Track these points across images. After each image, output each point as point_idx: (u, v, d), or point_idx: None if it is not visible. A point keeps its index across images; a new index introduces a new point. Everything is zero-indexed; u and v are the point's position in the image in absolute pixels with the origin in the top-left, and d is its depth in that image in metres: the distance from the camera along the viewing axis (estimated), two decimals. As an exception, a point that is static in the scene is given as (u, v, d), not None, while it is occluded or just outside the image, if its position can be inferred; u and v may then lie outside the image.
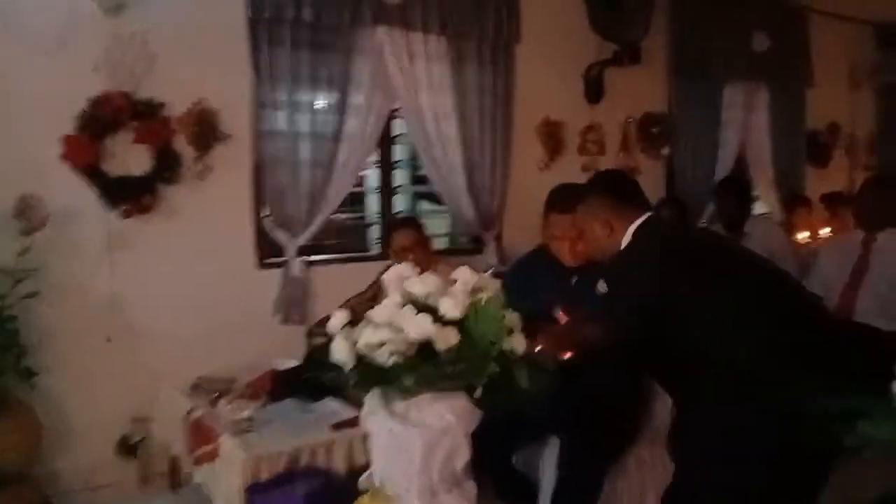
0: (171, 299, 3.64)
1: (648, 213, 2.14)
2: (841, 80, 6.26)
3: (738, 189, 4.55)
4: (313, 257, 4.13)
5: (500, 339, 1.75)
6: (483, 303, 1.82)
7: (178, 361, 3.48)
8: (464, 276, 1.89)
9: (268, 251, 3.97)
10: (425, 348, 1.72)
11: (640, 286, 2.01)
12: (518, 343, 1.78)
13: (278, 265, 3.95)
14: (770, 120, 5.70)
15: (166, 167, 3.56)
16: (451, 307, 1.77)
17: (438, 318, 1.75)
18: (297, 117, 3.84)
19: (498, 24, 4.34)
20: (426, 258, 3.27)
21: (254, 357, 3.53)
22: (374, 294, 4.04)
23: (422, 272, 3.24)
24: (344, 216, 4.45)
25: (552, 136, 4.70)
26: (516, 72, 4.47)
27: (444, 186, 4.32)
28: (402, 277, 1.91)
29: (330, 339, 3.58)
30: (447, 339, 1.71)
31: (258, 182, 3.85)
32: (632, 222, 2.12)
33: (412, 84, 4.10)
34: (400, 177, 4.72)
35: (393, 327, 1.75)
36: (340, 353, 1.78)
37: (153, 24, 3.49)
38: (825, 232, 5.18)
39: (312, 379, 3.50)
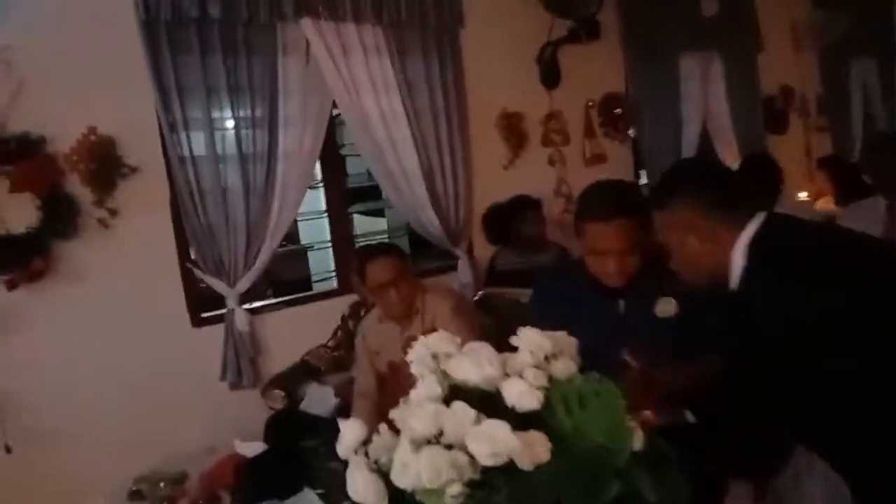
0: (85, 385, 2.86)
1: (762, 215, 1.57)
2: (786, 43, 5.96)
3: (765, 166, 3.89)
4: (256, 304, 3.41)
5: (622, 440, 1.12)
6: (580, 381, 1.22)
7: (105, 463, 2.73)
8: (531, 339, 1.27)
9: (202, 304, 3.22)
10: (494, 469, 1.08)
11: (788, 308, 1.43)
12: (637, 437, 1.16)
13: (217, 320, 3.21)
14: (727, 89, 5.30)
15: (58, 218, 2.80)
16: (522, 395, 1.15)
17: (499, 411, 1.13)
18: (220, 137, 3.13)
19: (438, 7, 3.74)
20: (411, 292, 2.61)
21: (204, 438, 2.81)
22: (337, 343, 3.39)
23: (407, 309, 2.63)
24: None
25: (513, 130, 4.13)
26: (464, 60, 3.88)
27: (401, 200, 3.67)
28: (440, 354, 1.29)
29: (292, 404, 2.89)
30: (534, 451, 1.07)
31: (179, 222, 3.10)
32: (741, 228, 1.54)
33: (351, 84, 3.45)
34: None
35: (443, 441, 1.12)
36: (363, 493, 1.12)
37: (18, 40, 2.72)
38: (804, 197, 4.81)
39: (282, 468, 2.87)
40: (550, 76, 4.30)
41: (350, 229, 3.88)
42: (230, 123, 3.17)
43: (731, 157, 5.36)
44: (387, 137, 3.56)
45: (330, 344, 3.29)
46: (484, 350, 1.25)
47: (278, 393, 3.04)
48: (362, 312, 3.26)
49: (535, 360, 1.25)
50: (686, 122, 5.05)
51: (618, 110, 4.64)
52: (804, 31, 6.11)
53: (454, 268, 3.86)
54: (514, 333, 1.27)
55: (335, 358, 3.29)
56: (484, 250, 3.97)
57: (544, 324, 2.08)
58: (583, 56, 4.37)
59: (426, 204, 3.68)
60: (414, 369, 1.31)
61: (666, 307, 1.97)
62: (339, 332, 3.30)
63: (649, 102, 4.82)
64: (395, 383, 2.66)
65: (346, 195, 3.91)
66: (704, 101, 5.20)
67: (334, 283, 3.80)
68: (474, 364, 1.23)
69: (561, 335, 1.32)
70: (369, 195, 5.81)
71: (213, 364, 3.18)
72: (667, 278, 1.94)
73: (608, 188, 2.04)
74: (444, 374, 1.28)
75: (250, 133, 3.19)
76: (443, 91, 3.73)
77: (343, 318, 3.32)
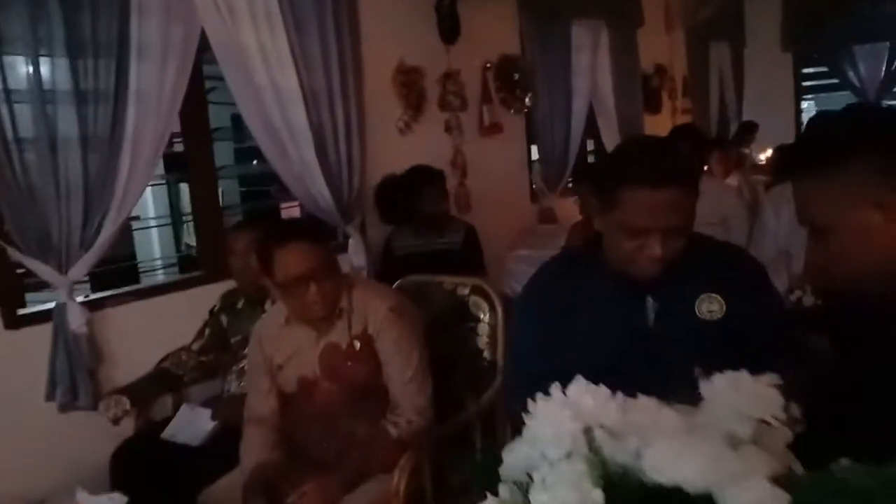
0: None
1: None
2: (660, 21, 5.84)
3: (693, 136, 3.61)
4: (95, 295, 2.58)
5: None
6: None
7: None
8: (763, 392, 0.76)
9: (20, 297, 2.35)
10: None
11: None
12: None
13: (42, 318, 2.36)
14: (612, 62, 5.06)
15: None
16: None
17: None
18: (47, 66, 2.25)
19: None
20: (335, 287, 1.95)
21: (25, 486, 2.01)
22: (205, 345, 2.64)
23: (329, 310, 1.98)
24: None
25: (411, 87, 3.54)
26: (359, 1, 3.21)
27: (287, 166, 2.96)
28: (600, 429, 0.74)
29: (150, 427, 2.14)
30: None
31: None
32: None
33: (226, 9, 2.67)
34: (222, 154, 3.24)
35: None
36: None
37: None
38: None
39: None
40: (449, 29, 3.75)
41: (217, 198, 3.09)
42: (63, 48, 2.29)
43: (610, 135, 5.15)
44: (269, 83, 2.83)
45: (195, 347, 2.55)
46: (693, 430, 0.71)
47: (120, 399, 2.25)
48: (240, 304, 2.56)
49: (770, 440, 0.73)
50: (576, 93, 4.73)
51: (515, 75, 4.19)
52: (676, 9, 6.05)
53: (343, 248, 3.21)
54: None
55: (202, 364, 2.55)
56: (375, 230, 3.36)
57: (543, 337, 1.54)
58: (482, 11, 3.88)
59: (316, 171, 3.00)
60: (550, 450, 0.74)
61: (712, 306, 1.48)
62: (208, 331, 2.56)
63: (543, 69, 4.43)
64: (306, 404, 2.02)
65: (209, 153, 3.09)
66: (592, 74, 4.91)
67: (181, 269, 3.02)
68: (689, 457, 0.69)
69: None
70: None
71: (36, 378, 2.33)
72: (711, 268, 1.49)
73: (654, 145, 1.51)
74: (600, 462, 0.73)
75: (90, 63, 2.33)
76: (336, 34, 3.04)
77: (212, 313, 2.59)
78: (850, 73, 7.20)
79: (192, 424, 2.31)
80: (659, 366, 1.35)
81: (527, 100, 4.30)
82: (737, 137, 6.29)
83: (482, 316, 2.27)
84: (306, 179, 3.01)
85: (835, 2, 6.73)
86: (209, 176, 3.00)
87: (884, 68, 7.05)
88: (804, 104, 7.93)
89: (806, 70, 7.62)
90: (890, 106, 1.27)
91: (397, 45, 3.49)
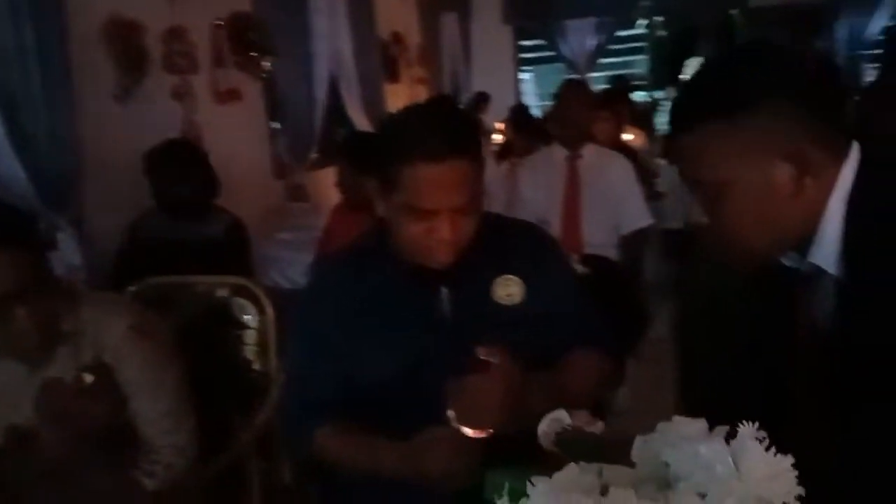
0: None
1: (857, 148, 0.96)
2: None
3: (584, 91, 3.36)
4: None
5: None
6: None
7: None
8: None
9: None
10: None
11: None
12: None
13: None
14: (351, 27, 4.81)
15: None
16: None
17: None
18: None
19: None
20: (51, 303, 1.46)
21: None
22: None
23: (44, 336, 1.50)
24: None
25: (129, 45, 2.96)
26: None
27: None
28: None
29: None
30: None
31: None
32: (841, 163, 0.94)
33: None
34: None
35: None
36: None
37: None
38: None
39: None
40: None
41: None
42: None
43: (353, 104, 4.93)
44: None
45: None
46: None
47: None
48: None
49: None
50: (316, 58, 4.41)
51: (252, 35, 3.76)
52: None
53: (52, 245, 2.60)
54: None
55: None
56: (103, 224, 2.77)
57: (330, 348, 1.33)
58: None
59: (5, 148, 2.36)
60: None
61: (510, 289, 1.34)
62: None
63: (280, 31, 4.04)
64: (21, 461, 1.53)
65: None
66: (333, 38, 4.62)
67: None
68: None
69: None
70: None
71: None
72: (504, 248, 1.36)
73: (434, 112, 1.30)
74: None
75: None
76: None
77: None
78: (563, 47, 7.73)
79: None
80: (461, 360, 1.18)
81: (266, 64, 3.89)
82: (470, 108, 6.43)
83: (248, 320, 1.92)
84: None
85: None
86: None
87: (591, 42, 7.67)
88: (524, 76, 8.40)
89: (524, 42, 8.05)
90: (793, 46, 1.16)
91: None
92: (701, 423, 0.61)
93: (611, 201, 3.08)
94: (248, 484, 1.79)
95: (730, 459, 0.53)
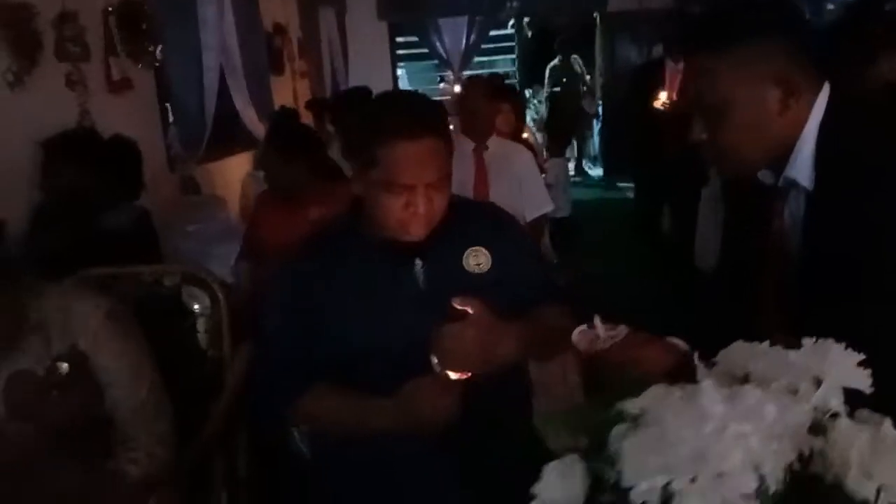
0: None
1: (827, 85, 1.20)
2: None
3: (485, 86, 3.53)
4: None
5: None
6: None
7: None
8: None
9: None
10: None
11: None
12: None
13: None
14: (236, 18, 4.69)
15: None
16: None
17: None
18: None
19: None
20: (12, 300, 1.39)
21: None
22: None
23: (11, 328, 1.44)
24: None
25: (20, 29, 2.78)
26: None
27: None
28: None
29: None
30: None
31: None
32: (817, 93, 1.16)
33: None
34: None
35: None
36: None
37: None
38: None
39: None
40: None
41: None
42: None
43: (240, 96, 4.83)
44: None
45: None
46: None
47: None
48: None
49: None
50: (206, 49, 4.28)
51: (143, 23, 3.61)
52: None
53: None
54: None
55: None
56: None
57: (306, 330, 1.43)
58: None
59: None
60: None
61: (479, 259, 1.48)
62: None
63: (170, 20, 3.90)
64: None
65: None
66: (220, 28, 4.50)
67: None
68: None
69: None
70: None
71: None
72: (471, 224, 1.50)
73: (408, 97, 1.53)
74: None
75: None
76: None
77: None
78: (437, 44, 7.91)
79: None
80: (438, 327, 1.30)
81: (158, 53, 3.75)
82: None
83: (199, 308, 1.90)
84: None
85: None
86: None
87: (464, 40, 7.90)
88: (399, 71, 8.51)
89: (399, 39, 8.16)
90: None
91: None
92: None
93: (516, 189, 3.27)
94: (213, 476, 1.78)
95: (817, 359, 0.66)
